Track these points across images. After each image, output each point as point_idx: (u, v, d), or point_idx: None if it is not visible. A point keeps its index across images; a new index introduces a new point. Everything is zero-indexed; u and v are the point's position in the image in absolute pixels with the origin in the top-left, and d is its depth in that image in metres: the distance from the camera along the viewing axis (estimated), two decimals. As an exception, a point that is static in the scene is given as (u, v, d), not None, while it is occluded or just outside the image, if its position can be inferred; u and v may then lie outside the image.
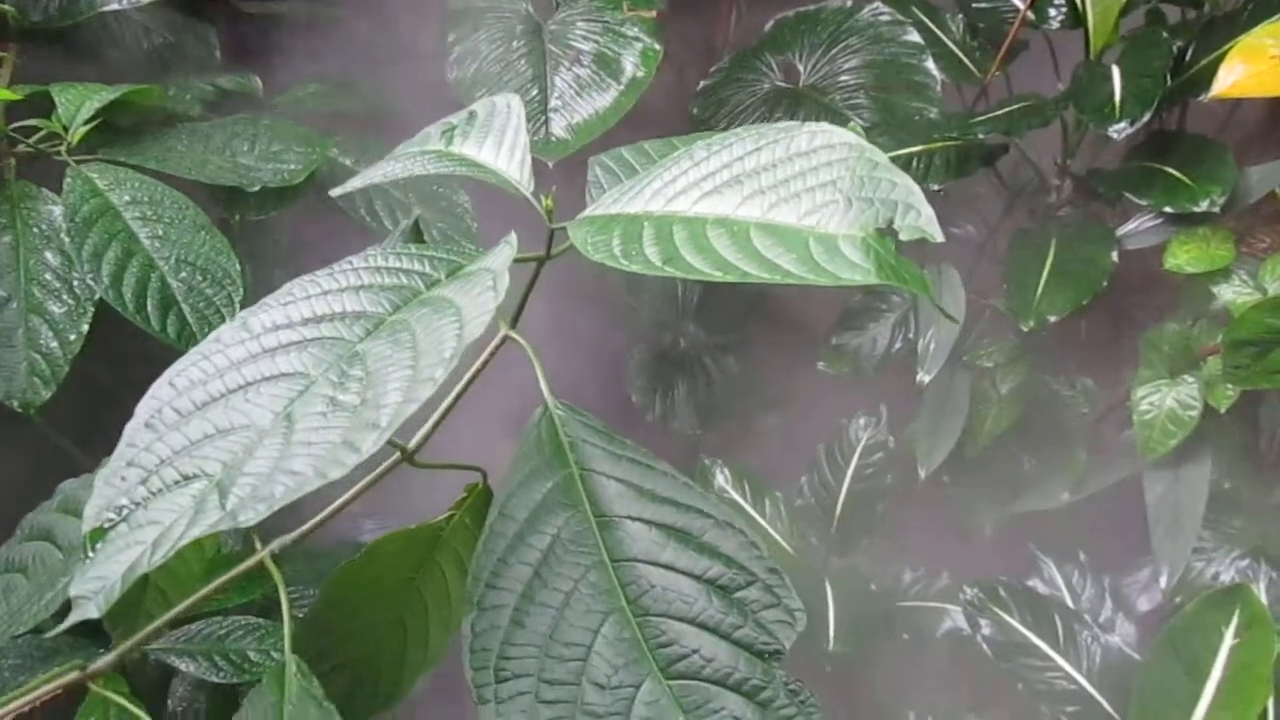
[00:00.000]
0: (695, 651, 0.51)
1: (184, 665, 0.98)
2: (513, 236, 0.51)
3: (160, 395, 0.47)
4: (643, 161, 0.67)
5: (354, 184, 0.66)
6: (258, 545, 0.59)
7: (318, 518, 0.60)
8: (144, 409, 0.47)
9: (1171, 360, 1.25)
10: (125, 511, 0.42)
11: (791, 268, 0.44)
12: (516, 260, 0.56)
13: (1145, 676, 1.20)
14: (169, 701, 1.10)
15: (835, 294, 1.73)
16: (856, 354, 1.59)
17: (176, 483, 0.43)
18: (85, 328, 0.95)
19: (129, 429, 0.46)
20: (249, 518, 0.39)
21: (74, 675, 0.53)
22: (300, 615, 0.67)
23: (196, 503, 0.41)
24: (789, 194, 0.48)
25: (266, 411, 0.45)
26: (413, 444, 0.60)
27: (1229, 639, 1.12)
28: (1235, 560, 1.23)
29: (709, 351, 1.82)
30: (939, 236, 0.44)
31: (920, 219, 0.45)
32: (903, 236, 0.45)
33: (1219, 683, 1.12)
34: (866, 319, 1.61)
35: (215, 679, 0.95)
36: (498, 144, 0.62)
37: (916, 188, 0.46)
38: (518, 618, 0.51)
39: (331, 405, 0.44)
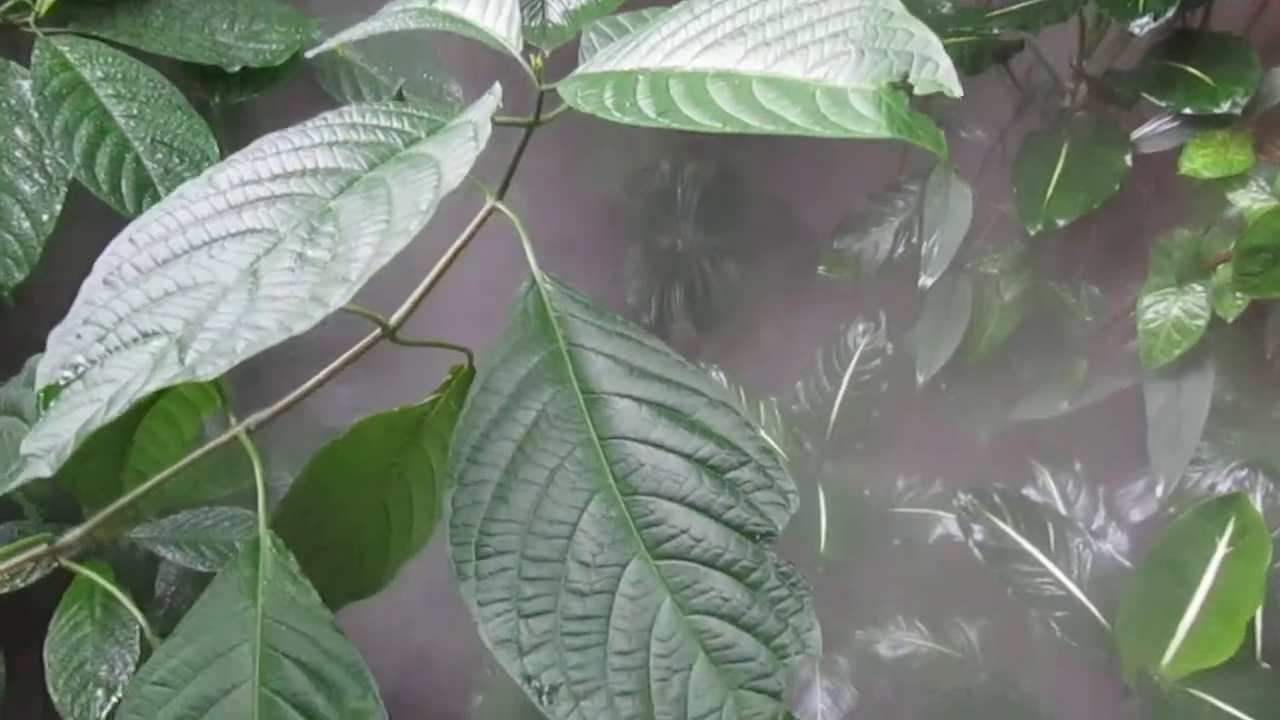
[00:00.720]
0: (684, 531, 0.49)
1: (169, 554, 0.98)
2: (496, 88, 0.48)
3: (120, 251, 0.44)
4: (639, 27, 0.63)
5: (332, 43, 0.62)
6: (232, 422, 0.57)
7: (295, 393, 0.57)
8: (102, 265, 0.44)
9: (1181, 268, 1.22)
10: (81, 370, 0.40)
11: (796, 120, 0.41)
12: (504, 124, 0.52)
13: (1135, 584, 1.20)
14: (157, 588, 1.09)
15: (838, 198, 1.69)
16: (858, 259, 1.56)
17: (135, 340, 0.40)
18: (58, 208, 0.92)
19: (86, 286, 0.43)
20: (208, 372, 0.37)
21: (42, 548, 0.51)
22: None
23: (155, 360, 0.39)
24: (796, 46, 0.44)
25: (231, 268, 0.42)
26: (394, 320, 0.58)
27: (1222, 548, 1.12)
28: (1233, 471, 1.22)
29: (707, 254, 1.79)
30: (957, 90, 0.41)
31: (938, 72, 0.41)
32: (918, 91, 0.42)
33: (1209, 591, 1.12)
34: (869, 223, 1.57)
35: (200, 568, 0.95)
36: (484, 2, 0.58)
37: (935, 39, 0.42)
38: (500, 494, 0.49)
39: (300, 261, 0.41)
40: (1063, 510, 1.35)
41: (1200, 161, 1.21)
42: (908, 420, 1.57)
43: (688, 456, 0.50)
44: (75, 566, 0.66)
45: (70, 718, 0.85)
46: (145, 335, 0.40)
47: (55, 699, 0.86)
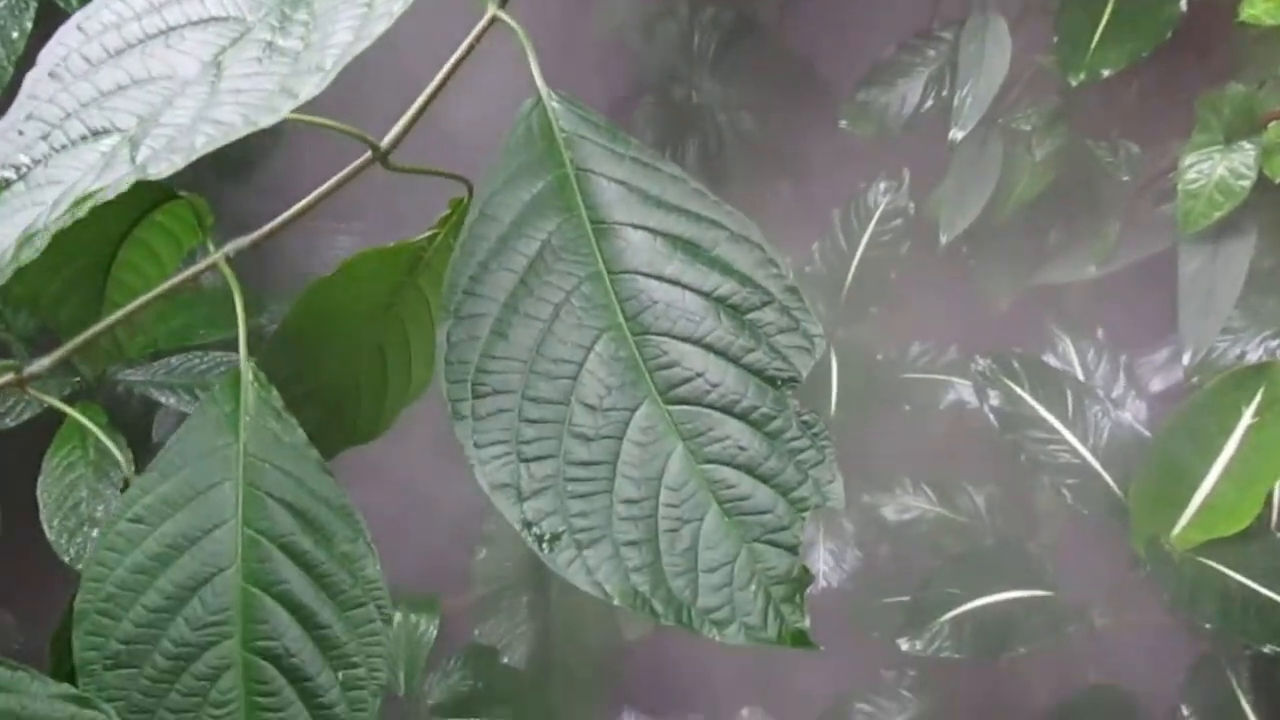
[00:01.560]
0: (699, 375, 0.45)
1: (162, 397, 0.95)
2: None
3: (67, 41, 0.39)
4: None
5: None
6: (211, 248, 0.52)
7: (280, 218, 0.52)
8: (48, 57, 0.38)
9: (1229, 125, 1.15)
10: (23, 170, 0.35)
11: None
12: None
13: (1153, 452, 1.17)
14: (154, 435, 1.07)
15: (862, 50, 1.60)
16: (883, 112, 1.48)
17: (83, 138, 0.35)
18: (29, 25, 0.85)
19: (29, 79, 0.38)
20: (161, 169, 0.32)
21: (10, 376, 0.48)
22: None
23: (105, 158, 0.34)
24: None
25: (192, 59, 0.36)
26: (387, 141, 0.52)
27: (1247, 418, 1.08)
28: (1265, 340, 1.18)
29: (724, 108, 1.70)
30: None
31: None
32: None
33: (1229, 460, 1.10)
34: (896, 74, 1.48)
35: (192, 411, 0.92)
36: None
37: None
38: (499, 329, 0.45)
39: (269, 51, 0.36)
40: (1082, 378, 1.31)
41: (1262, 7, 1.12)
42: (926, 284, 1.52)
43: (705, 294, 0.46)
44: (51, 400, 0.63)
45: (66, 557, 0.83)
46: (95, 132, 0.35)
47: (51, 538, 0.84)
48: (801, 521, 0.46)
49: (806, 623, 0.46)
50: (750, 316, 0.46)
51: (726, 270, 0.46)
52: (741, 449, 0.45)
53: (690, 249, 0.47)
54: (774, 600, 0.45)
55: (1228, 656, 1.14)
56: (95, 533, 0.86)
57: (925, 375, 1.48)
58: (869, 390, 1.46)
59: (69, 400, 0.93)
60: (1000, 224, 1.40)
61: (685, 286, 0.46)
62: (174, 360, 0.97)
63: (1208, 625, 1.01)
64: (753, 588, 0.45)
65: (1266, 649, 0.98)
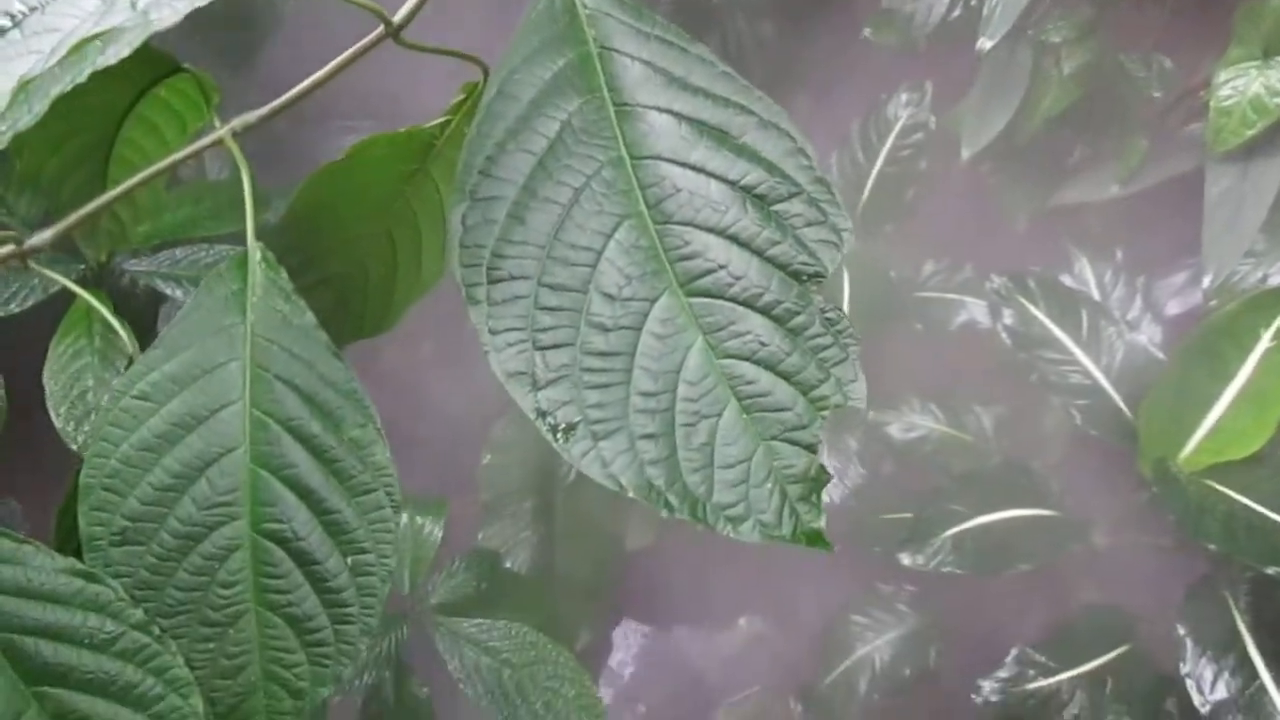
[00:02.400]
0: (722, 267, 0.44)
1: (169, 290, 0.94)
2: None
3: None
4: None
5: None
6: (217, 124, 0.50)
7: (287, 95, 0.50)
8: (42, -99, 0.36)
9: (1268, 39, 1.11)
10: (19, 17, 0.33)
11: None
12: None
13: (1166, 374, 1.16)
14: (157, 329, 1.06)
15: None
16: (908, 21, 1.43)
17: (81, -14, 0.33)
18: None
19: (23, -76, 0.36)
20: (164, 17, 0.30)
21: (10, 248, 0.46)
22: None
23: (105, 5, 0.32)
24: None
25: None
26: (399, 16, 0.50)
27: (1265, 341, 1.07)
28: (1288, 264, 1.16)
29: (743, 11, 1.64)
30: None
31: None
32: None
33: (1243, 384, 1.09)
34: (925, -20, 1.43)
35: (200, 302, 0.91)
36: None
37: None
38: (516, 212, 0.43)
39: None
40: (1098, 299, 1.29)
41: (1312, -85, 1.07)
42: (943, 201, 1.49)
43: (731, 183, 0.44)
44: (54, 276, 0.62)
45: (73, 444, 0.83)
46: (93, -19, 0.33)
47: (58, 425, 0.84)
48: (821, 420, 0.45)
49: (822, 522, 0.45)
50: (777, 208, 0.44)
51: (754, 158, 0.44)
52: (762, 344, 0.44)
53: (716, 135, 0.45)
54: (790, 499, 0.44)
55: (1227, 579, 1.14)
56: (101, 422, 0.85)
57: (938, 294, 1.46)
58: (881, 307, 1.44)
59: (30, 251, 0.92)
60: (1024, 140, 1.37)
61: (710, 174, 0.44)
62: (179, 252, 0.96)
63: (1212, 547, 1.01)
64: (769, 485, 0.44)
65: (1270, 570, 0.98)
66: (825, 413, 0.45)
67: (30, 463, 0.94)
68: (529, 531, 1.48)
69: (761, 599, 1.74)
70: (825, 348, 0.44)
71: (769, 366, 0.44)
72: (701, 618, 1.79)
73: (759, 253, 0.44)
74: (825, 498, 1.37)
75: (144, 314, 1.08)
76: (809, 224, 0.44)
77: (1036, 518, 1.21)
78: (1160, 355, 1.21)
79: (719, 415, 0.44)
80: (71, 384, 0.87)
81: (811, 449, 0.44)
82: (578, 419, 0.43)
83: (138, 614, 0.43)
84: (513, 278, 0.43)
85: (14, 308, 0.87)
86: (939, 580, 1.40)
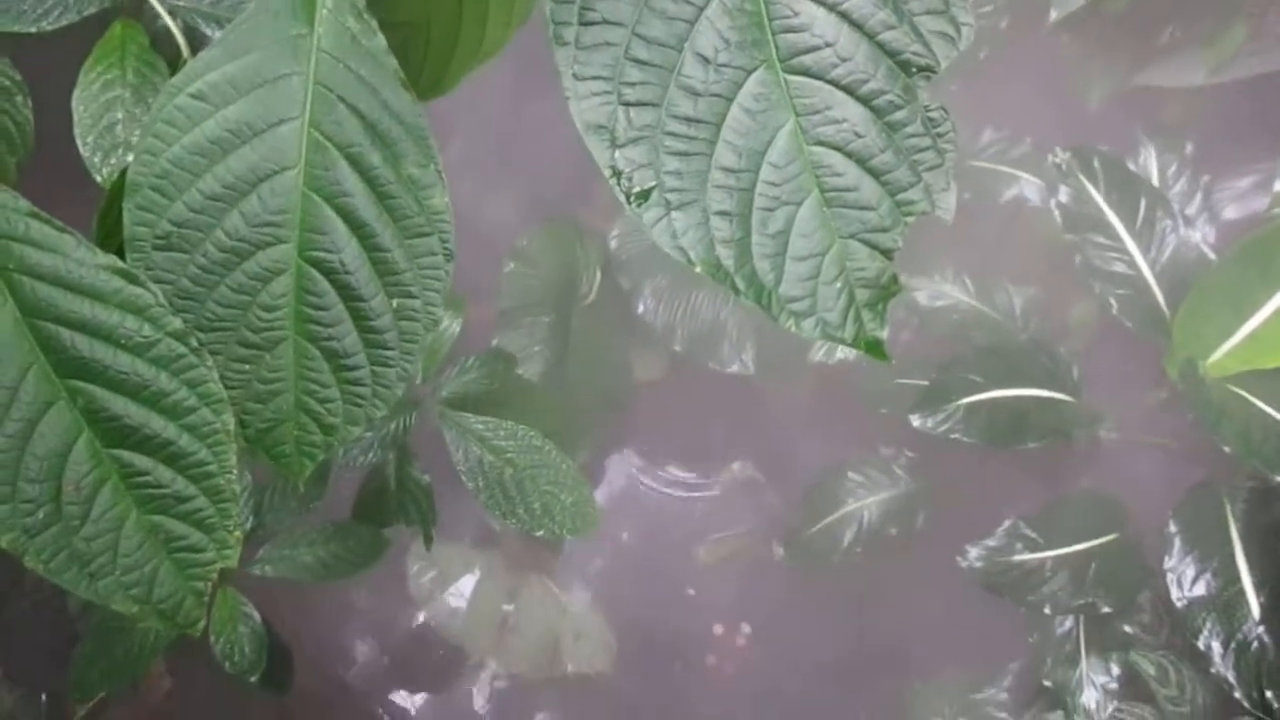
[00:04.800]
0: (828, 45, 0.40)
1: (210, 30, 0.89)
2: None
3: None
4: None
5: None
6: None
7: None
8: None
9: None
10: None
11: None
12: None
13: (1212, 275, 1.13)
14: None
15: None
16: None
17: None
18: None
19: None
20: None
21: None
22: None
23: None
24: None
25: None
26: None
27: (1322, 256, 1.04)
28: (1364, 179, 1.11)
29: None
30: None
31: None
32: None
33: (1290, 296, 1.06)
34: None
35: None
36: None
37: None
38: (618, -50, 0.40)
39: None
40: (1158, 191, 1.25)
41: None
42: (1016, 68, 1.42)
43: (852, -47, 0.40)
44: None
45: (99, 176, 0.81)
46: None
47: (85, 155, 0.81)
48: (904, 226, 0.42)
49: (884, 333, 0.43)
50: (897, -12, 0.41)
51: (880, -71, 0.41)
52: (857, 135, 0.41)
53: (843, -101, 0.41)
54: (857, 303, 0.43)
55: (1227, 486, 1.15)
56: (131, 158, 0.82)
57: (992, 165, 1.41)
58: (930, 170, 1.39)
59: (108, 15, 0.88)
60: (1114, 12, 1.29)
61: (831, -60, 0.40)
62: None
63: (1227, 449, 1.01)
64: (838, 285, 0.42)
65: (1278, 479, 0.99)
66: (910, 219, 0.42)
67: (55, 191, 0.92)
68: (542, 346, 1.48)
69: (758, 447, 1.76)
70: (921, 149, 0.42)
71: (860, 160, 0.42)
72: (696, 457, 1.81)
73: (870, 35, 0.41)
74: (841, 354, 1.36)
75: (177, 63, 1.04)
76: (928, 12, 0.41)
77: (1053, 400, 1.20)
78: (1211, 256, 1.18)
79: (799, 205, 0.41)
80: (100, 115, 0.84)
81: (888, 255, 0.42)
82: (653, 184, 0.40)
83: (176, 322, 0.41)
84: (605, 22, 0.40)
85: (46, 25, 0.83)
86: (939, 451, 1.41)
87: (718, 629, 1.78)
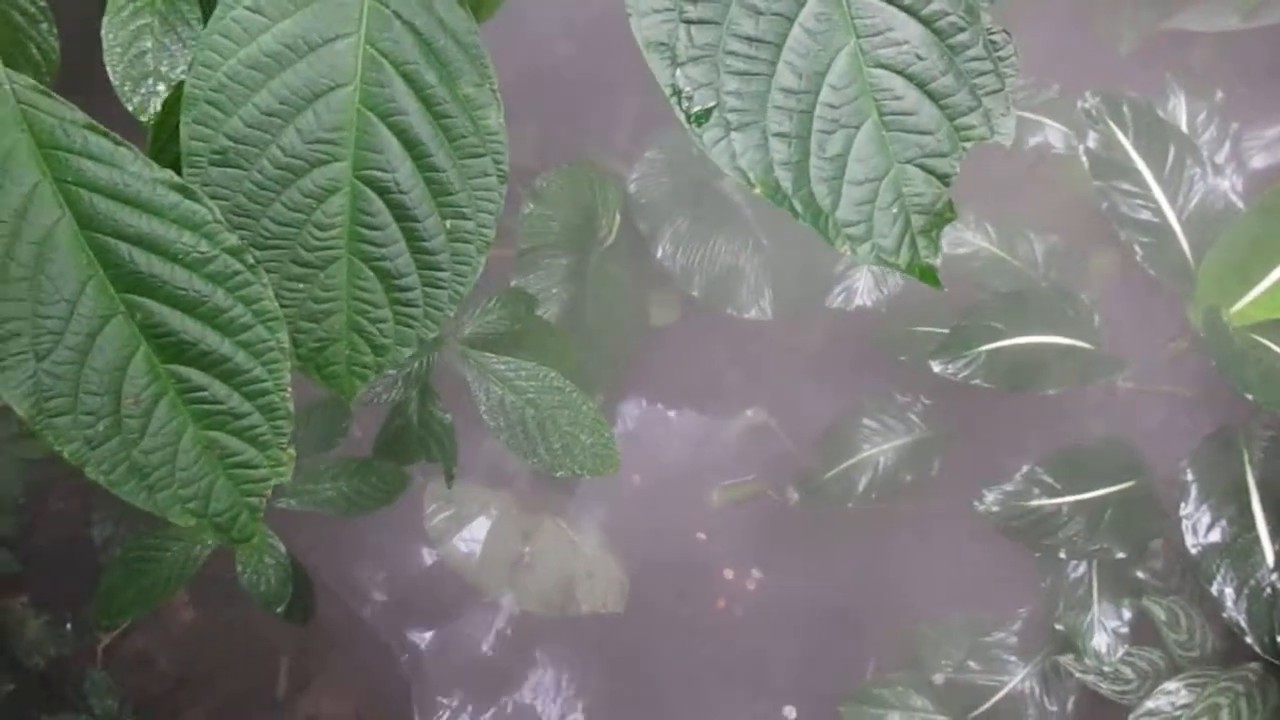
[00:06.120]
0: (893, -38, 0.40)
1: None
2: None
3: None
4: None
5: None
6: None
7: None
8: None
9: None
10: None
11: None
12: None
13: (1239, 226, 1.13)
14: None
15: None
16: None
17: None
18: None
19: None
20: None
21: None
22: None
23: None
24: None
25: None
26: None
27: (1353, 206, 1.03)
28: (1398, 128, 1.10)
29: None
30: None
31: None
32: None
33: (1319, 246, 1.05)
34: None
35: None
36: None
37: None
38: None
39: None
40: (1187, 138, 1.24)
41: None
42: (1044, 12, 1.40)
43: None
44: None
45: (129, 105, 0.80)
46: None
47: (115, 83, 0.81)
48: (962, 152, 0.42)
49: (938, 261, 0.43)
50: (964, -97, 0.40)
51: None
52: (918, 58, 0.41)
53: None
54: (913, 229, 0.43)
55: (1244, 434, 1.15)
56: (160, 86, 0.82)
57: (1018, 111, 1.39)
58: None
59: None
60: (1148, -47, 1.27)
61: None
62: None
63: (1249, 396, 1.01)
64: (894, 210, 0.42)
65: (1300, 426, 0.99)
66: (968, 144, 0.42)
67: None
68: (559, 288, 1.48)
69: (773, 393, 1.77)
70: (982, 73, 0.41)
71: (919, 84, 0.41)
72: (710, 403, 1.82)
73: (936, -46, 0.40)
74: (860, 301, 1.36)
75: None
76: (993, -68, 0.40)
77: (1072, 347, 1.20)
78: (1239, 205, 1.17)
79: (857, 128, 0.41)
80: (130, 42, 0.83)
81: (945, 180, 0.42)
82: (713, 104, 0.40)
83: (232, 239, 0.41)
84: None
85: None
86: (956, 398, 1.42)
87: (728, 573, 1.81)
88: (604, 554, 1.71)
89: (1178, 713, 1.12)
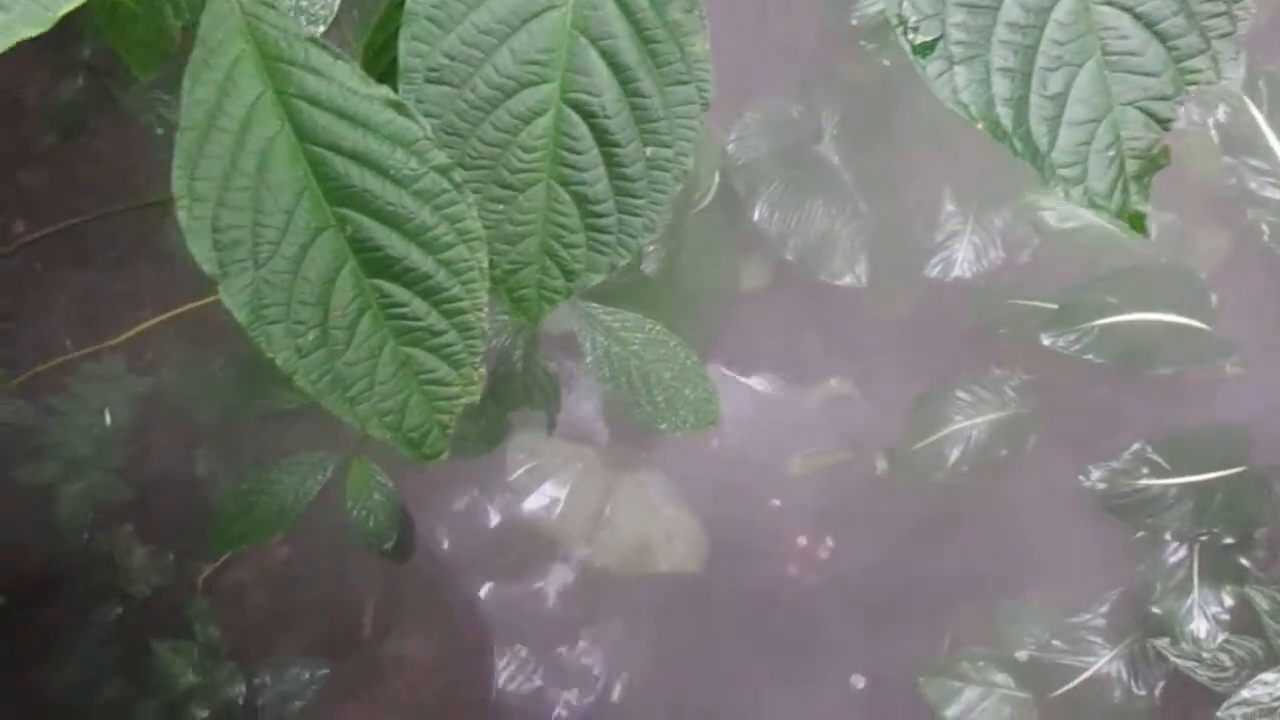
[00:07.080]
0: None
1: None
2: None
3: None
4: None
5: None
6: None
7: None
8: None
9: None
10: None
11: None
12: None
13: (1377, 206, 1.08)
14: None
15: None
16: None
17: None
18: None
19: None
20: None
21: None
22: None
23: None
24: None
25: None
26: None
27: None
28: None
29: None
30: None
31: None
32: None
33: None
34: None
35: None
36: None
37: None
38: None
39: None
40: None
41: None
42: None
43: None
44: None
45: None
46: None
47: None
48: (1185, 96, 0.41)
49: (1149, 208, 0.42)
50: None
51: None
52: None
53: None
54: (1126, 174, 0.41)
55: (1364, 425, 1.12)
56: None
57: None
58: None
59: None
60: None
61: None
62: None
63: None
64: (1110, 154, 0.41)
65: None
66: (1193, 88, 0.41)
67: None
68: (654, 246, 1.47)
69: (858, 363, 1.76)
70: (1214, 15, 0.40)
71: (1148, 24, 0.40)
72: (794, 370, 1.81)
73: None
74: (959, 272, 1.34)
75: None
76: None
77: (1186, 326, 1.17)
78: (1376, 185, 1.13)
79: (1080, 67, 0.40)
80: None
81: (1165, 125, 0.41)
82: (938, 35, 0.39)
83: (442, 157, 0.42)
84: None
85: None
86: (1054, 374, 1.40)
87: (801, 540, 1.81)
88: (683, 514, 1.72)
89: (1274, 703, 1.10)
